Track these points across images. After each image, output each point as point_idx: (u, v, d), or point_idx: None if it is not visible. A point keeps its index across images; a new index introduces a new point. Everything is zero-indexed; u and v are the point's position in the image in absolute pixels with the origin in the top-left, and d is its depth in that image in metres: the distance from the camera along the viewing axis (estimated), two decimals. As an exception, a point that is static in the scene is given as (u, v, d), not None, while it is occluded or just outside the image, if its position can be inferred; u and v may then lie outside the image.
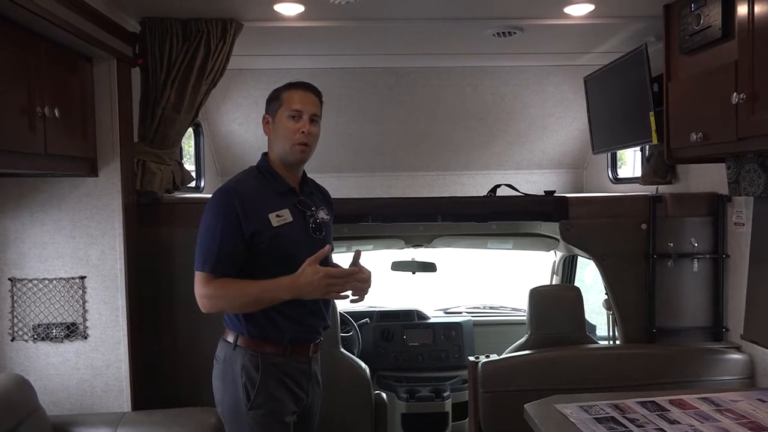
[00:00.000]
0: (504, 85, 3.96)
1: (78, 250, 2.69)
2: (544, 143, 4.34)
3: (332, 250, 2.36)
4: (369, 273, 2.17)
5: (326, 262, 2.23)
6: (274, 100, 2.22)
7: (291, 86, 2.21)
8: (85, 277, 2.69)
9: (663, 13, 2.75)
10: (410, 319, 4.39)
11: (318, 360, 2.32)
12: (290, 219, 2.15)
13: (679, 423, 2.06)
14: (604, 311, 3.47)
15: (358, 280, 2.07)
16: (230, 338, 2.17)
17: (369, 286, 2.18)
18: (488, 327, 4.53)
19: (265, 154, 2.27)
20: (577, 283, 4.42)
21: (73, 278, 2.69)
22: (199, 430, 2.57)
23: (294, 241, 2.13)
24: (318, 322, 2.24)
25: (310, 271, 2.00)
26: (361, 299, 2.18)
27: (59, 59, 2.39)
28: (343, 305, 4.24)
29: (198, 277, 2.09)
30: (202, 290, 2.08)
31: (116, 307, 2.71)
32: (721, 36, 2.33)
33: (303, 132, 2.15)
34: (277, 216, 2.12)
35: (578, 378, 2.74)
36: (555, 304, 3.09)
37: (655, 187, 3.29)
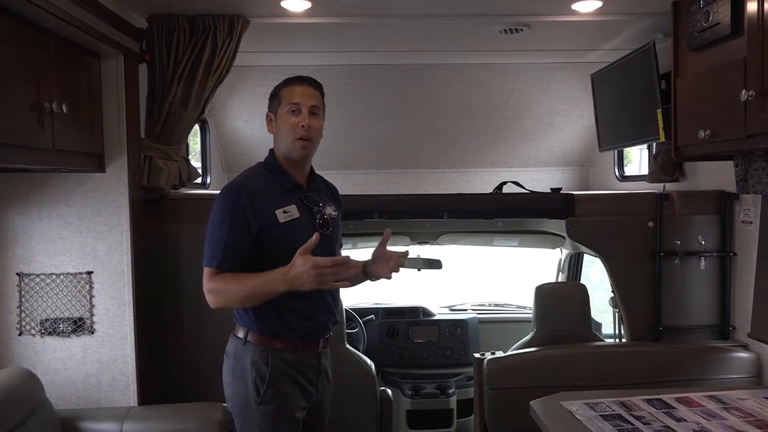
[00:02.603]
0: (511, 82, 3.95)
1: (85, 246, 2.70)
2: (550, 140, 4.33)
3: (341, 246, 2.40)
4: (394, 253, 2.26)
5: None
6: (273, 98, 2.23)
7: (289, 82, 2.22)
8: (92, 272, 2.71)
9: (671, 10, 2.74)
10: (416, 315, 4.40)
11: (328, 355, 2.33)
12: (297, 215, 2.15)
13: (685, 421, 2.06)
14: (611, 309, 3.46)
15: (351, 266, 2.04)
16: (240, 334, 2.19)
17: (400, 264, 2.26)
18: (493, 324, 4.53)
19: (272, 151, 2.28)
20: (583, 281, 4.41)
21: (80, 273, 2.70)
22: (205, 425, 2.58)
23: (301, 237, 2.10)
24: (327, 318, 2.25)
25: (300, 262, 1.97)
26: (389, 277, 2.26)
27: (67, 55, 2.40)
28: (348, 302, 4.25)
29: (205, 272, 2.11)
30: (208, 285, 2.10)
31: (123, 303, 2.72)
32: (730, 33, 2.31)
33: (303, 126, 2.15)
34: (284, 212, 2.13)
35: (584, 375, 2.74)
36: (561, 301, 3.09)
37: (662, 184, 3.27)
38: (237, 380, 2.17)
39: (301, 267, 1.97)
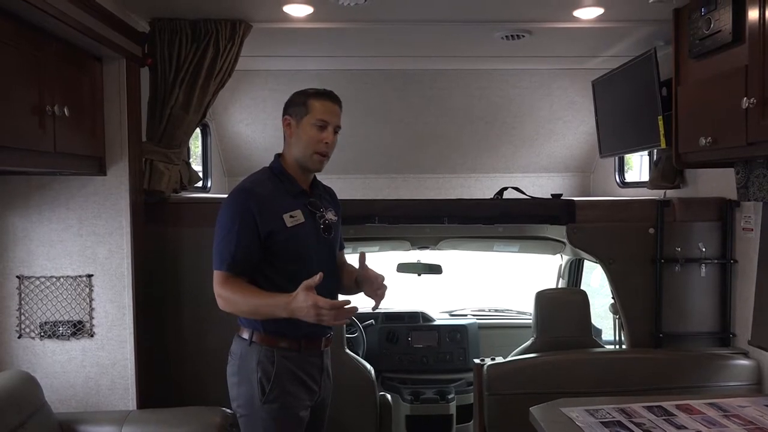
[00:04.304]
0: (512, 88, 3.96)
1: (85, 249, 2.70)
2: (551, 147, 4.33)
3: (342, 248, 2.44)
4: (382, 277, 2.24)
5: (332, 265, 2.29)
6: (299, 105, 2.22)
7: (319, 95, 2.23)
8: (92, 275, 2.70)
9: (672, 17, 2.74)
10: (415, 321, 4.39)
11: (329, 354, 2.36)
12: (302, 220, 2.20)
13: (686, 428, 2.05)
14: (611, 315, 3.46)
15: (350, 312, 2.04)
16: (245, 335, 2.21)
17: (384, 290, 2.24)
18: (493, 330, 4.52)
19: (278, 156, 2.30)
20: (583, 287, 4.41)
21: (80, 276, 2.70)
22: (205, 429, 2.57)
23: (306, 241, 2.18)
24: None
25: (302, 297, 2.00)
26: (377, 306, 2.26)
27: (69, 58, 2.40)
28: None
29: (215, 275, 2.14)
30: (218, 289, 2.13)
31: (123, 306, 2.72)
32: (732, 40, 2.32)
33: (327, 143, 2.19)
34: (291, 217, 2.17)
35: (584, 382, 2.73)
36: (561, 307, 3.08)
37: (662, 191, 3.27)
38: (242, 380, 2.19)
39: (302, 302, 2.00)
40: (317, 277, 2.01)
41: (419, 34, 3.18)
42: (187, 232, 2.91)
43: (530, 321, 3.22)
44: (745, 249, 2.87)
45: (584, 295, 3.13)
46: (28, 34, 2.13)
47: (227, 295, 2.11)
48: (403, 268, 4.31)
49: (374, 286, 2.24)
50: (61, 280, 2.69)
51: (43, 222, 2.67)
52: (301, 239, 2.16)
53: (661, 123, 2.92)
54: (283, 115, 2.26)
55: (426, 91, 3.96)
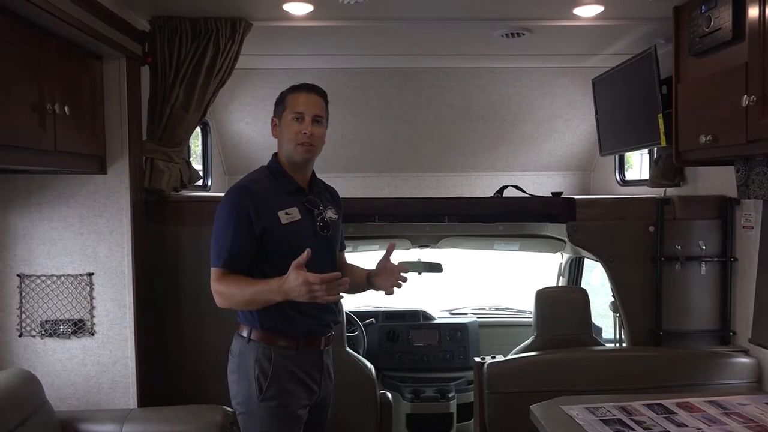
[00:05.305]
0: (512, 86, 3.96)
1: (86, 247, 2.70)
2: (551, 145, 4.33)
3: (343, 248, 2.45)
4: (404, 268, 2.28)
5: (331, 264, 2.28)
6: (279, 104, 2.28)
7: (294, 89, 2.26)
8: (92, 273, 2.71)
9: (673, 15, 2.74)
10: (416, 319, 4.40)
11: (330, 354, 2.36)
12: (298, 217, 2.20)
13: (686, 426, 2.05)
14: (611, 314, 3.46)
15: (342, 283, 2.05)
16: (244, 333, 2.22)
17: (403, 281, 2.27)
18: (494, 328, 4.53)
19: (275, 155, 2.32)
20: (583, 285, 4.41)
21: (80, 275, 2.70)
22: (205, 428, 2.57)
23: (301, 238, 2.17)
24: (328, 316, 2.29)
25: (293, 276, 2.02)
26: (390, 292, 2.28)
27: (70, 57, 2.41)
28: (348, 305, 4.25)
29: (212, 273, 2.16)
30: (214, 286, 2.15)
31: (123, 304, 2.72)
32: (732, 38, 2.31)
33: (305, 133, 2.20)
34: (286, 214, 2.18)
35: (584, 380, 2.73)
36: (561, 305, 3.09)
37: (663, 189, 3.27)
38: (241, 378, 2.20)
39: (293, 281, 2.01)
40: (305, 255, 2.01)
41: (419, 32, 3.18)
42: (187, 231, 2.91)
43: (530, 319, 3.23)
44: (745, 247, 2.87)
45: (584, 293, 3.14)
46: (28, 32, 2.13)
47: (223, 290, 2.13)
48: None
49: (394, 277, 2.26)
50: (62, 278, 2.69)
51: (43, 220, 2.67)
52: (297, 236, 2.17)
53: (661, 121, 2.92)
54: (271, 119, 2.31)
55: (426, 89, 3.96)
